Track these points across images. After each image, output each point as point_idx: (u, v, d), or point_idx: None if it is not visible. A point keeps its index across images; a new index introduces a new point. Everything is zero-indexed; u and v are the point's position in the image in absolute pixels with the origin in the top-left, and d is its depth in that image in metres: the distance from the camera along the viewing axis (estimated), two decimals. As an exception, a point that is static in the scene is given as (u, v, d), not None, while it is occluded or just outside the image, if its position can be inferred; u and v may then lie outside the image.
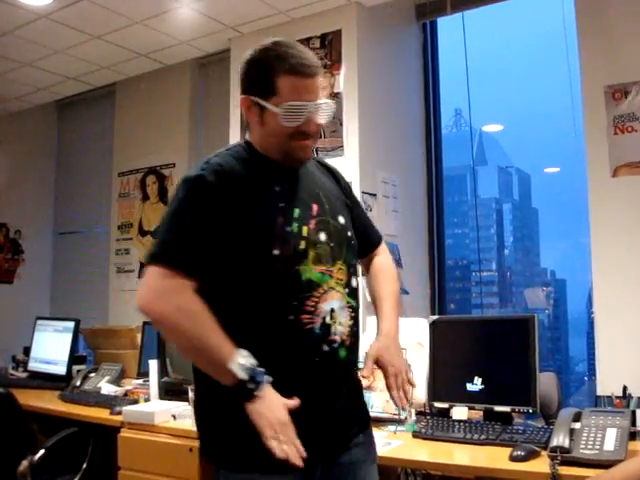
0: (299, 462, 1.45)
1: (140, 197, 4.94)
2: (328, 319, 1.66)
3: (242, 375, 1.50)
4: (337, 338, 1.68)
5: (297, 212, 1.69)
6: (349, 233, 1.81)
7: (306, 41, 3.85)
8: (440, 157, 4.23)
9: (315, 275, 1.68)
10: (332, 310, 1.67)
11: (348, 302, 1.73)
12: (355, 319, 1.77)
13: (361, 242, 1.91)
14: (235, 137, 4.15)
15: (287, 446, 1.47)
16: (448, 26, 4.31)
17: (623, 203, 3.07)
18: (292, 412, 1.53)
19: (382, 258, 2.06)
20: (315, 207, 1.74)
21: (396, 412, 2.63)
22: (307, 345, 1.64)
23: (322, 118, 1.71)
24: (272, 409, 1.51)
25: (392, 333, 1.86)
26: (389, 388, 1.76)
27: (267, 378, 1.53)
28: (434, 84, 4.24)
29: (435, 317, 2.90)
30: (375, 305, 1.95)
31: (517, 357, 2.57)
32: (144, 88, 4.93)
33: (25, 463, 2.97)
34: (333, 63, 3.75)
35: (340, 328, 1.69)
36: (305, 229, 1.68)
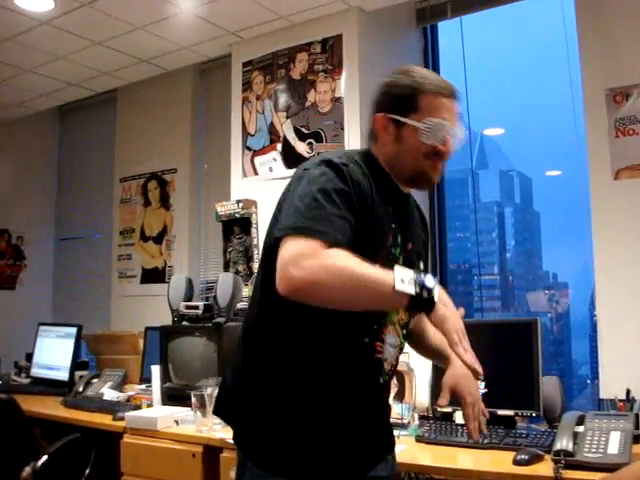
0: (480, 371, 1.57)
1: (142, 203, 4.94)
2: (385, 352, 1.70)
3: (412, 290, 1.42)
4: (386, 369, 1.74)
5: (399, 239, 1.69)
6: None
7: (307, 46, 3.86)
8: (441, 161, 4.22)
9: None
10: (390, 344, 1.71)
11: (401, 342, 1.77)
12: (397, 359, 1.81)
13: None
14: (237, 141, 4.15)
15: (470, 355, 1.56)
16: (449, 30, 4.31)
17: (625, 206, 3.07)
18: (341, 430, 1.64)
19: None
20: (410, 244, 1.75)
21: (400, 417, 2.63)
22: (373, 372, 1.70)
23: (458, 143, 1.70)
24: (454, 314, 1.53)
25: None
26: (467, 419, 1.76)
27: (436, 280, 1.49)
28: (435, 88, 4.23)
29: (438, 321, 2.89)
30: (431, 342, 1.92)
31: (520, 361, 2.57)
32: (145, 94, 4.94)
33: (28, 469, 2.97)
34: (334, 68, 3.75)
35: (387, 366, 1.73)
36: (402, 258, 1.69)
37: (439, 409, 1.85)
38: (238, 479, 1.69)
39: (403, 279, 1.42)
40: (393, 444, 1.89)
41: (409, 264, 1.65)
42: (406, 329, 1.78)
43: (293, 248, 1.42)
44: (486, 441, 2.38)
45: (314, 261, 1.39)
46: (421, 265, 1.81)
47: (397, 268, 1.44)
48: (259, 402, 1.65)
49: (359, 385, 1.67)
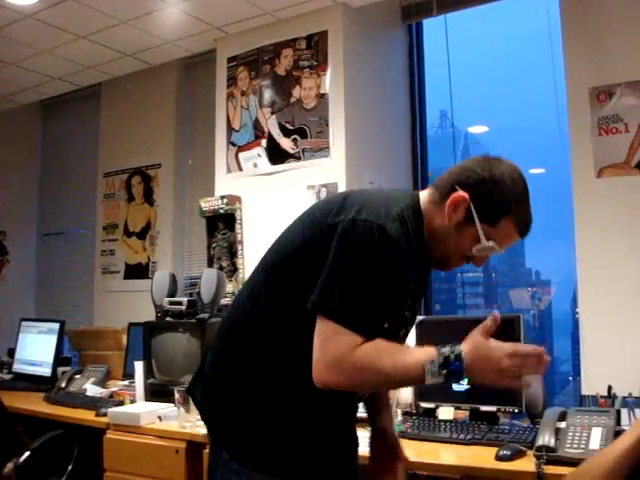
0: (547, 359, 1.46)
1: (125, 198, 4.92)
2: None
3: (441, 381, 1.47)
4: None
5: (411, 300, 1.69)
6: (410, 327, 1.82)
7: (292, 42, 3.86)
8: (426, 158, 4.24)
9: None
10: None
11: None
12: None
13: None
14: (221, 137, 4.14)
15: (527, 369, 1.48)
16: (434, 28, 4.32)
17: (607, 203, 3.09)
18: (325, 446, 1.71)
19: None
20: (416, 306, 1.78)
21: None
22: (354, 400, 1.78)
23: (488, 255, 1.66)
24: (486, 361, 1.47)
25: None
26: None
27: (462, 355, 1.46)
28: (420, 85, 4.25)
29: (422, 317, 2.90)
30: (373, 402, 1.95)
31: (503, 357, 2.58)
32: (130, 88, 4.91)
33: (10, 465, 2.95)
34: (319, 64, 3.75)
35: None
36: (409, 317, 1.73)
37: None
38: (211, 470, 1.71)
39: (433, 371, 1.45)
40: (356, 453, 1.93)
41: (412, 318, 1.77)
42: None
43: (332, 344, 1.48)
44: (469, 437, 2.39)
45: (350, 365, 1.47)
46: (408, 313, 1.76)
47: (426, 357, 1.46)
48: (241, 400, 1.66)
49: (337, 401, 1.69)
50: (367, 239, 1.50)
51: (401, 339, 1.72)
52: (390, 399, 2.04)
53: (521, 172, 1.64)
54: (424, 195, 1.70)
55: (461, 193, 1.58)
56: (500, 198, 1.57)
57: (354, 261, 1.50)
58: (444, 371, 1.45)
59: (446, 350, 1.46)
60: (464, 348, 1.46)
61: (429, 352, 1.48)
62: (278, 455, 1.62)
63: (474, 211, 1.57)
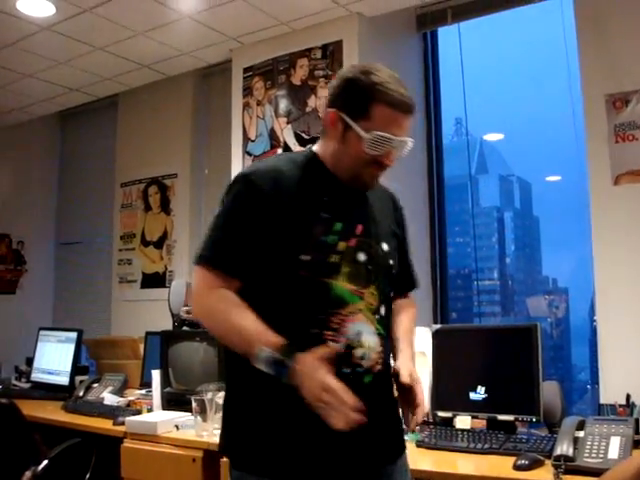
0: (357, 419, 1.43)
1: (142, 207, 4.95)
2: (353, 341, 1.62)
3: (264, 369, 1.51)
4: (363, 363, 1.63)
5: (339, 226, 1.67)
6: (391, 261, 1.78)
7: (307, 52, 3.87)
8: (441, 166, 4.23)
9: (345, 292, 1.65)
10: (359, 333, 1.63)
11: (377, 329, 1.68)
12: (385, 347, 1.72)
13: (397, 281, 1.88)
14: (237, 147, 4.16)
15: (336, 412, 1.44)
16: (449, 36, 4.32)
17: (625, 211, 3.07)
18: (305, 424, 1.56)
19: (406, 302, 1.97)
20: (360, 227, 1.71)
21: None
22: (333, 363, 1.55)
23: (402, 154, 1.74)
24: (308, 380, 1.47)
25: (411, 360, 1.81)
26: (417, 400, 1.71)
27: (291, 361, 1.49)
28: (435, 93, 4.25)
29: (438, 326, 2.90)
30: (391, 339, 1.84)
31: (520, 366, 2.57)
32: (146, 99, 4.95)
33: (28, 474, 2.97)
34: (334, 73, 3.74)
35: (368, 353, 1.64)
36: (343, 244, 1.66)
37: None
38: None
39: (262, 359, 1.51)
40: (394, 456, 1.78)
41: (364, 249, 1.70)
42: (378, 314, 1.70)
43: (195, 282, 1.69)
44: (486, 446, 2.38)
45: (202, 301, 1.67)
46: (384, 246, 1.77)
47: (263, 348, 1.51)
48: (233, 404, 1.71)
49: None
50: (230, 188, 1.71)
51: (334, 266, 1.64)
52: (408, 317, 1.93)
53: (379, 66, 1.72)
54: (315, 145, 1.82)
55: (328, 110, 1.71)
56: (358, 91, 1.65)
57: (219, 210, 1.71)
58: (271, 367, 1.51)
59: (283, 353, 1.50)
60: (298, 361, 1.49)
61: (270, 340, 1.52)
62: (268, 457, 1.60)
63: (344, 116, 1.66)
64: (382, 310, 1.73)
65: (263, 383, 1.57)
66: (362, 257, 1.69)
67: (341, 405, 1.44)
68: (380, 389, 1.72)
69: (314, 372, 1.47)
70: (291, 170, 1.70)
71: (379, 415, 1.69)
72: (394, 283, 1.83)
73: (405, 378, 1.68)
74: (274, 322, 1.57)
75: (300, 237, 1.63)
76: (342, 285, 1.64)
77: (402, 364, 1.73)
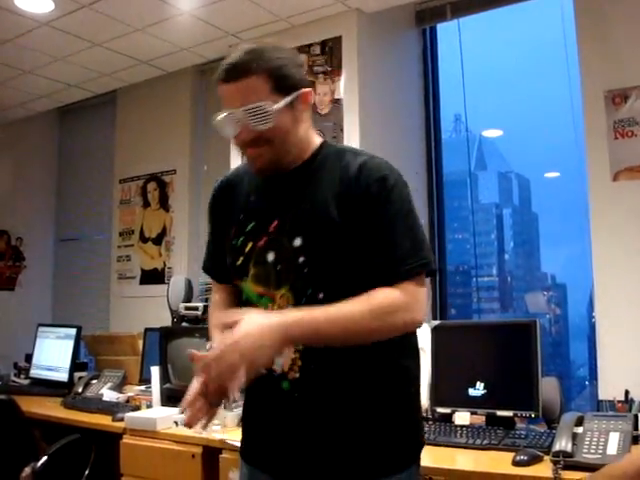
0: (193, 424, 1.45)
1: (141, 204, 4.94)
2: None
3: None
4: (274, 367, 1.54)
5: (251, 226, 1.63)
6: (301, 259, 1.54)
7: (306, 47, 3.86)
8: (441, 162, 4.23)
9: (253, 295, 1.62)
10: None
11: None
12: (305, 354, 1.54)
13: (372, 271, 1.53)
14: (236, 143, 4.15)
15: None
16: (448, 32, 4.32)
17: (624, 207, 3.07)
18: (248, 418, 1.74)
19: (382, 291, 1.50)
20: (275, 223, 1.59)
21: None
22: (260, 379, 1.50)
23: (251, 125, 1.51)
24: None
25: (277, 322, 1.41)
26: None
27: None
28: (434, 89, 4.24)
29: (437, 322, 2.91)
30: None
31: (519, 362, 2.58)
32: (145, 95, 4.94)
33: (27, 470, 2.98)
34: (334, 69, 3.76)
35: (278, 359, 1.50)
36: (250, 245, 1.61)
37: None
38: None
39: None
40: (337, 474, 1.56)
41: (273, 247, 1.58)
42: None
43: None
44: (485, 442, 2.38)
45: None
46: (296, 241, 1.55)
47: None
48: None
49: (254, 391, 1.65)
50: None
51: (241, 268, 1.63)
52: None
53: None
54: None
55: None
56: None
57: None
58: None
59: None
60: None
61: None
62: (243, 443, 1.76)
63: None
64: None
65: None
66: (271, 257, 1.59)
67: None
68: (308, 400, 1.56)
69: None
70: (240, 174, 1.77)
71: (308, 428, 1.57)
72: (326, 282, 1.55)
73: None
74: None
75: (225, 242, 1.71)
76: (250, 288, 1.63)
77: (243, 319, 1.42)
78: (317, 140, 1.70)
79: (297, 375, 1.55)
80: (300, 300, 1.55)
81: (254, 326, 1.37)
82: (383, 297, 1.48)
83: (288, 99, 1.54)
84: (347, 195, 1.55)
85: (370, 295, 1.48)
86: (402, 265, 1.51)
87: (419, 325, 1.57)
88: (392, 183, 1.58)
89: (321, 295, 1.54)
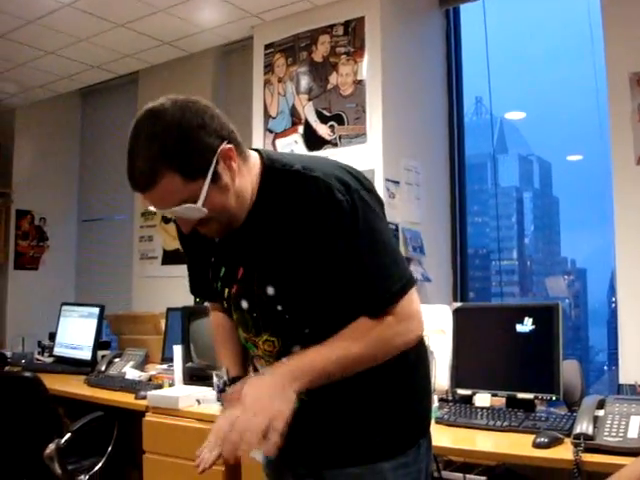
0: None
1: (163, 184, 4.95)
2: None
3: (215, 381, 1.71)
4: (256, 363, 1.69)
5: (223, 271, 1.60)
6: (279, 307, 1.50)
7: (329, 28, 3.85)
8: (462, 145, 4.21)
9: (242, 338, 1.65)
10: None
11: None
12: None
13: (345, 302, 1.48)
14: (258, 124, 4.16)
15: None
16: (471, 13, 4.29)
17: (648, 190, 3.05)
18: None
19: (362, 321, 1.47)
20: (240, 271, 1.55)
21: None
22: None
23: (188, 220, 1.46)
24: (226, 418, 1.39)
25: (279, 379, 1.40)
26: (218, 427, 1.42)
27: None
28: (457, 71, 4.22)
29: (459, 304, 2.91)
30: None
31: (541, 344, 2.57)
32: (167, 76, 4.94)
33: (52, 446, 3.02)
34: (356, 50, 3.74)
35: None
36: (226, 291, 1.60)
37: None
38: None
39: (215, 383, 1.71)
40: (336, 458, 1.57)
41: (245, 295, 1.55)
42: (290, 353, 1.51)
43: None
44: (506, 424, 2.39)
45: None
46: (269, 290, 1.50)
47: (224, 369, 1.70)
48: None
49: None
50: None
51: (229, 312, 1.64)
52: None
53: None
54: None
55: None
56: None
57: None
58: (219, 380, 1.68)
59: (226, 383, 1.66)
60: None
61: (231, 366, 1.71)
62: None
63: None
64: (296, 349, 1.52)
65: None
66: (244, 304, 1.56)
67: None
68: (316, 404, 1.53)
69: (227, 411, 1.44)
70: None
71: (318, 419, 1.57)
72: (310, 321, 1.52)
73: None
74: None
75: (205, 280, 1.68)
76: (240, 332, 1.65)
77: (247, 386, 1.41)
78: (254, 174, 1.52)
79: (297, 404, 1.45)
80: (287, 341, 1.54)
81: (257, 388, 1.38)
82: (380, 329, 1.45)
83: (207, 180, 1.38)
84: (306, 233, 1.46)
85: (366, 328, 1.45)
86: (383, 295, 1.45)
87: (420, 336, 1.55)
88: (348, 209, 1.43)
89: (307, 330, 1.52)
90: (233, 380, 1.63)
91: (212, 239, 1.57)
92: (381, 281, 1.46)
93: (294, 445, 1.47)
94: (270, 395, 1.34)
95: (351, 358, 1.43)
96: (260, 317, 1.54)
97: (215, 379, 1.69)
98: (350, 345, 1.43)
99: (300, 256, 1.46)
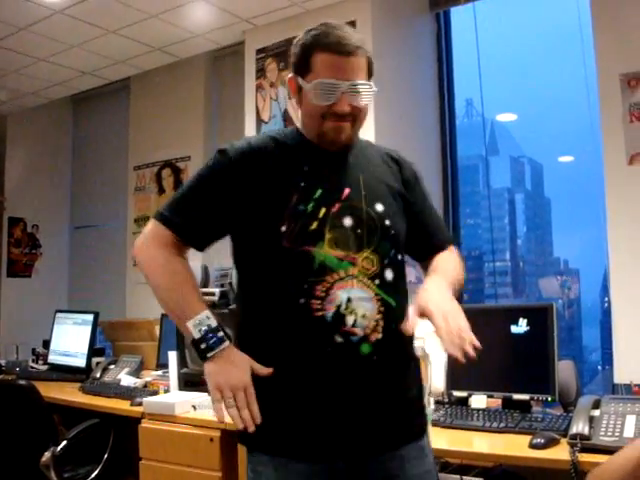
0: (249, 426, 1.49)
1: (156, 190, 4.96)
2: (343, 308, 1.57)
3: (195, 334, 1.57)
4: (356, 331, 1.57)
5: (319, 193, 1.63)
6: (387, 222, 1.68)
7: (320, 33, 3.85)
8: (454, 147, 4.22)
9: (330, 259, 1.59)
10: (349, 299, 1.57)
11: (377, 294, 1.61)
12: (387, 314, 1.61)
13: (421, 242, 1.85)
14: (251, 129, 4.16)
15: (233, 409, 1.50)
16: (461, 16, 4.30)
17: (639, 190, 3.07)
18: (301, 398, 1.58)
19: (445, 255, 1.86)
20: (347, 191, 1.66)
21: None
22: (317, 333, 1.57)
23: (357, 99, 1.64)
24: (224, 371, 1.54)
25: (442, 283, 1.67)
26: (438, 329, 1.53)
27: (224, 344, 1.57)
28: (448, 74, 4.23)
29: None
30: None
31: (535, 345, 2.58)
32: (159, 82, 4.95)
33: (48, 454, 3.02)
34: (347, 54, 3.74)
35: (361, 320, 1.57)
36: (323, 210, 1.62)
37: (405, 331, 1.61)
38: None
39: (200, 322, 1.58)
40: (409, 438, 1.68)
41: (351, 213, 1.64)
42: (381, 279, 1.63)
43: (147, 228, 1.72)
44: (502, 425, 2.39)
45: (149, 252, 1.72)
46: (378, 207, 1.68)
47: (206, 312, 1.61)
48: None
49: (306, 350, 1.58)
50: (207, 162, 1.74)
51: (315, 233, 1.61)
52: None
53: (331, 22, 1.68)
54: None
55: (289, 76, 1.73)
56: (300, 48, 1.66)
57: (190, 176, 1.76)
58: (204, 332, 1.58)
59: (219, 328, 1.59)
60: (231, 348, 1.58)
61: (203, 310, 1.61)
62: (265, 432, 1.56)
63: (296, 78, 1.68)
64: (387, 274, 1.65)
65: (270, 363, 1.58)
66: (348, 222, 1.64)
67: (241, 406, 1.50)
68: (386, 362, 1.63)
69: (242, 365, 1.56)
70: (267, 144, 1.71)
71: (385, 392, 1.64)
72: (402, 244, 1.73)
73: (408, 323, 1.57)
74: (263, 294, 1.65)
75: (276, 208, 1.62)
76: (326, 252, 1.59)
77: (436, 306, 1.57)
78: None
79: (380, 336, 1.60)
80: (384, 262, 1.66)
81: (439, 293, 1.62)
82: (456, 256, 1.88)
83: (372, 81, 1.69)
84: (404, 178, 1.83)
85: (451, 255, 1.87)
86: (448, 234, 1.98)
87: None
88: (419, 173, 1.92)
89: (399, 256, 1.72)
90: (220, 327, 1.60)
91: (299, 168, 1.67)
92: (445, 226, 2.00)
93: (363, 430, 1.59)
94: (453, 301, 1.62)
95: (458, 278, 1.79)
96: (364, 233, 1.65)
97: (193, 327, 1.57)
98: (456, 268, 1.82)
99: (397, 186, 1.78)
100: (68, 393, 3.59)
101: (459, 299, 1.72)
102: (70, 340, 4.29)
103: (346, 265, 1.60)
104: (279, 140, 1.73)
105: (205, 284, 3.54)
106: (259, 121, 4.13)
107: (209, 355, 1.56)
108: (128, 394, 3.35)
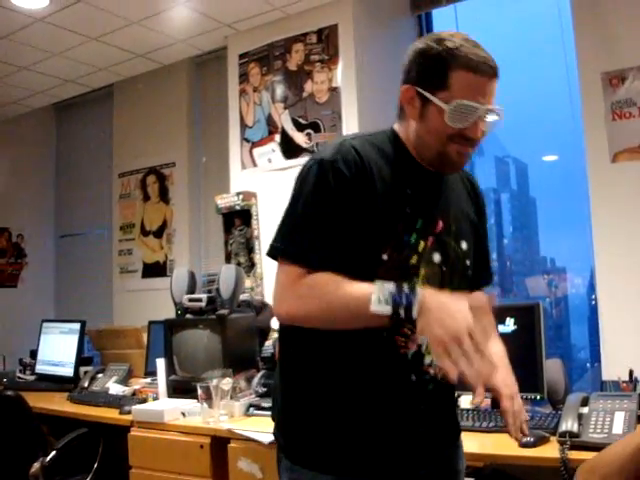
0: (486, 382, 1.37)
1: (141, 197, 4.95)
2: (424, 348, 1.54)
3: (387, 311, 1.36)
4: (430, 370, 1.57)
5: (420, 223, 1.54)
6: (467, 262, 1.65)
7: (303, 36, 3.87)
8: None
9: None
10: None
11: None
12: None
13: (472, 276, 1.71)
14: (235, 134, 4.16)
15: (462, 361, 1.31)
16: (443, 18, 4.31)
17: (624, 189, 3.08)
18: (368, 425, 1.53)
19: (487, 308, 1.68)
20: (440, 223, 1.58)
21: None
22: (397, 369, 1.54)
23: (488, 125, 1.54)
24: (437, 321, 1.34)
25: (500, 353, 1.68)
26: (505, 413, 1.58)
27: (418, 293, 1.37)
28: (431, 76, 4.23)
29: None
30: None
31: (523, 344, 2.59)
32: (142, 88, 4.94)
33: (37, 465, 3.00)
34: (330, 58, 3.76)
35: (435, 361, 1.50)
36: (422, 244, 1.54)
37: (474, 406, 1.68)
38: (279, 472, 1.66)
39: (380, 298, 1.37)
40: (451, 438, 1.75)
41: (440, 248, 1.56)
42: None
43: (279, 279, 1.50)
44: (491, 425, 2.40)
45: (292, 294, 1.47)
46: (463, 245, 1.62)
47: (377, 285, 1.38)
48: (289, 398, 1.63)
49: (382, 384, 1.54)
50: (303, 177, 1.53)
51: (413, 268, 1.52)
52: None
53: (452, 32, 1.55)
54: (396, 124, 1.68)
55: (403, 88, 1.58)
56: (433, 60, 1.50)
57: (291, 200, 1.54)
58: (392, 299, 1.36)
59: (403, 285, 1.39)
60: (425, 291, 1.38)
61: (370, 287, 1.39)
62: (323, 451, 1.54)
63: (421, 90, 1.52)
64: None
65: (323, 376, 1.55)
66: (437, 258, 1.57)
67: (467, 356, 1.31)
68: (441, 393, 1.64)
69: (452, 307, 1.35)
70: (375, 155, 1.55)
71: (439, 414, 1.66)
72: (469, 285, 1.66)
73: (478, 398, 1.38)
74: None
75: (384, 234, 1.49)
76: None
77: (502, 382, 1.59)
78: None
79: (440, 375, 1.57)
80: None
81: (503, 364, 1.69)
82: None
83: None
84: (477, 206, 1.76)
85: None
86: (492, 272, 1.87)
87: None
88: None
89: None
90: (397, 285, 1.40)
91: (403, 190, 1.54)
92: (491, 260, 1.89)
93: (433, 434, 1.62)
94: (510, 373, 1.71)
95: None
96: (448, 271, 1.59)
97: (378, 307, 1.36)
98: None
99: (474, 217, 1.72)
100: (56, 403, 3.57)
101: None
102: (57, 349, 4.26)
103: None
104: (383, 150, 1.59)
105: (192, 290, 3.53)
106: (243, 126, 4.12)
107: (415, 314, 1.36)
108: (117, 402, 3.33)
